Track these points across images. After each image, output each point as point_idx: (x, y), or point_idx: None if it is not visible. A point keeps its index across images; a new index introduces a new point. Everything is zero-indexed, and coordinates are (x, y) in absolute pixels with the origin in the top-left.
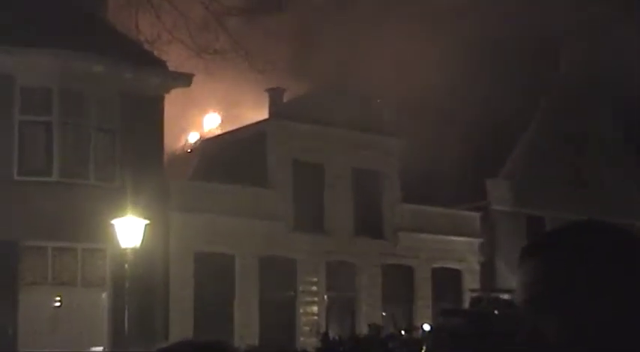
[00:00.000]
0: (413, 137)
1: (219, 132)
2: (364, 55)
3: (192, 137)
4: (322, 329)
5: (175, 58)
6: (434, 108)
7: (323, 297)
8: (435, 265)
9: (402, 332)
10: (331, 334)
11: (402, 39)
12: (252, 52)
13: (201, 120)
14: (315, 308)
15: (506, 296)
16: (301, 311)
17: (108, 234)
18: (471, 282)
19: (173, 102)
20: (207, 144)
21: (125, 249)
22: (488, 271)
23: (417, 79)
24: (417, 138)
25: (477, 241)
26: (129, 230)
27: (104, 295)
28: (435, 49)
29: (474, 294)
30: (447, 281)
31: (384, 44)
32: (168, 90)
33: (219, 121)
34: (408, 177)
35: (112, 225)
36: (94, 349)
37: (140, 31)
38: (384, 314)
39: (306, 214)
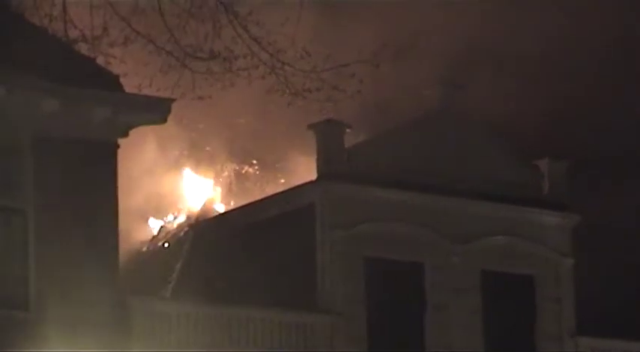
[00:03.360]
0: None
1: (222, 208)
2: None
3: (173, 218)
4: None
5: (138, 71)
6: None
7: None
8: None
9: None
10: None
11: None
12: (284, 55)
13: (188, 187)
14: None
15: None
16: None
17: None
18: None
19: (134, 153)
20: (204, 229)
21: None
22: None
23: None
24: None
25: None
26: None
27: None
28: None
29: None
30: None
31: None
32: (125, 132)
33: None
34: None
35: None
36: None
37: (71, 23)
38: None
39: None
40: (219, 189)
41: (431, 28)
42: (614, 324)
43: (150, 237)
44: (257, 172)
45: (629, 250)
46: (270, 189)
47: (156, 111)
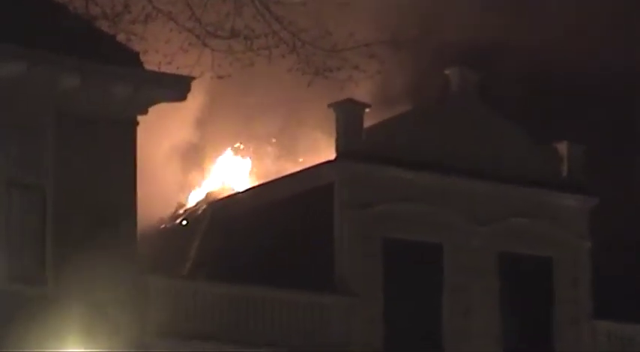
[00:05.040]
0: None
1: (242, 186)
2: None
3: (193, 198)
4: None
5: (158, 49)
6: None
7: None
8: None
9: None
10: None
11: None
12: (306, 34)
13: (208, 166)
14: None
15: None
16: None
17: None
18: None
19: (155, 130)
20: (222, 208)
21: None
22: None
23: None
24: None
25: None
26: None
27: None
28: None
29: None
30: None
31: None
32: (145, 109)
33: (248, 166)
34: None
35: None
36: None
37: (93, 0)
38: None
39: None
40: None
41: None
42: (631, 308)
43: (169, 215)
44: (276, 151)
45: None
46: (289, 168)
47: (175, 88)
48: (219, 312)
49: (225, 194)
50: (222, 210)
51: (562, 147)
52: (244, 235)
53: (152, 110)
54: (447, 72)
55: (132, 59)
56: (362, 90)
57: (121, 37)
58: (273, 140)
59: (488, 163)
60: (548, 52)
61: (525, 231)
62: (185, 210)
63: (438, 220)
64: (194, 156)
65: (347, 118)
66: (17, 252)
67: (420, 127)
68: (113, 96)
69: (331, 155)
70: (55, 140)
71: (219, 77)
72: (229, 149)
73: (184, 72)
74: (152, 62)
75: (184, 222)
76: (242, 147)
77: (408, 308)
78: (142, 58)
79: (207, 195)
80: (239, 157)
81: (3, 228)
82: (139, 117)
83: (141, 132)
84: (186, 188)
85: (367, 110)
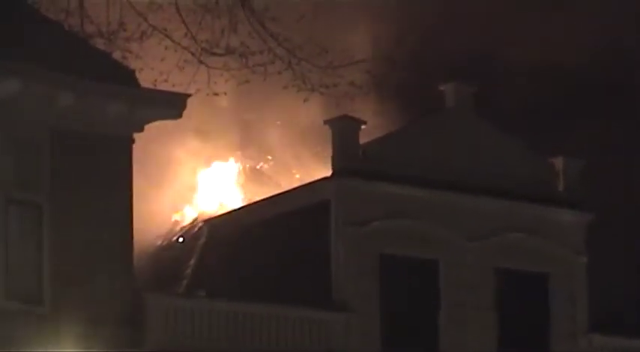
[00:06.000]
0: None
1: (239, 203)
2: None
3: (188, 215)
4: None
5: (154, 66)
6: None
7: None
8: None
9: None
10: None
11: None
12: (300, 50)
13: (204, 183)
14: None
15: None
16: None
17: None
18: None
19: (150, 148)
20: (218, 225)
21: None
22: None
23: None
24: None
25: None
26: None
27: None
28: None
29: None
30: None
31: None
32: (140, 127)
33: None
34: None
35: None
36: None
37: (88, 17)
38: None
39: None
40: (234, 184)
41: (444, 26)
42: (627, 323)
43: (165, 232)
44: (272, 168)
45: None
46: (285, 185)
47: (171, 106)
48: (216, 329)
49: (221, 211)
50: (219, 227)
51: (558, 163)
52: (241, 252)
53: (148, 127)
54: (441, 88)
55: (127, 77)
56: (358, 107)
57: (116, 55)
58: (269, 157)
59: (484, 179)
60: (544, 66)
61: (521, 247)
62: (181, 228)
63: (434, 236)
64: (189, 173)
65: (343, 135)
66: (15, 269)
67: (415, 143)
68: (109, 114)
69: (327, 171)
70: (52, 157)
71: (215, 94)
72: (225, 165)
73: (180, 89)
74: (148, 80)
75: (180, 240)
76: (238, 163)
77: (404, 323)
78: (138, 75)
79: (203, 212)
80: (235, 173)
81: (0, 245)
82: (135, 135)
83: (136, 149)
84: (181, 205)
85: (363, 127)
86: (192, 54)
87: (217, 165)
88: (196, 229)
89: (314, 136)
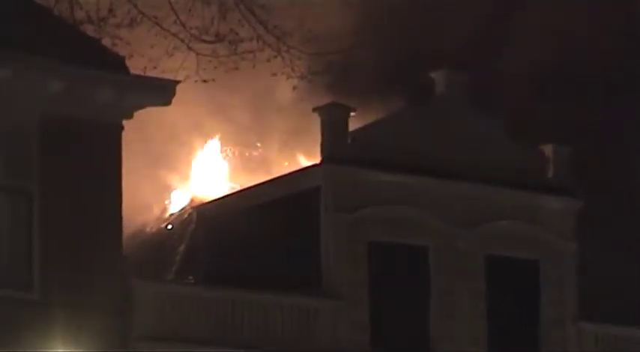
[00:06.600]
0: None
1: (227, 190)
2: None
3: (177, 200)
4: None
5: (143, 53)
6: None
7: None
8: None
9: None
10: None
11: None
12: (290, 38)
13: (193, 170)
14: None
15: None
16: None
17: None
18: None
19: (137, 134)
20: (208, 211)
21: None
22: None
23: None
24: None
25: None
26: None
27: None
28: None
29: None
30: None
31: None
32: (130, 114)
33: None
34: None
35: None
36: None
37: (77, 4)
38: None
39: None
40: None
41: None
42: (617, 310)
43: (154, 219)
44: (261, 154)
45: (633, 235)
46: (275, 172)
47: (160, 93)
48: (205, 316)
49: (210, 197)
50: (208, 214)
51: (548, 149)
52: (230, 239)
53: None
54: (432, 75)
55: (117, 63)
56: (347, 93)
57: (106, 42)
58: (258, 144)
59: (474, 166)
60: (536, 55)
61: (511, 234)
62: (170, 214)
63: (423, 223)
64: (178, 159)
65: (332, 122)
66: (4, 256)
67: (405, 130)
68: (98, 101)
69: (317, 158)
70: (41, 144)
71: (204, 81)
72: (214, 152)
73: (169, 76)
74: (137, 66)
75: (170, 226)
76: (227, 150)
77: (394, 311)
78: (127, 62)
79: (192, 198)
80: (224, 160)
81: None
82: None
83: (125, 136)
84: (170, 192)
85: (353, 114)
86: (182, 41)
87: (207, 151)
88: (185, 216)
89: (304, 124)
